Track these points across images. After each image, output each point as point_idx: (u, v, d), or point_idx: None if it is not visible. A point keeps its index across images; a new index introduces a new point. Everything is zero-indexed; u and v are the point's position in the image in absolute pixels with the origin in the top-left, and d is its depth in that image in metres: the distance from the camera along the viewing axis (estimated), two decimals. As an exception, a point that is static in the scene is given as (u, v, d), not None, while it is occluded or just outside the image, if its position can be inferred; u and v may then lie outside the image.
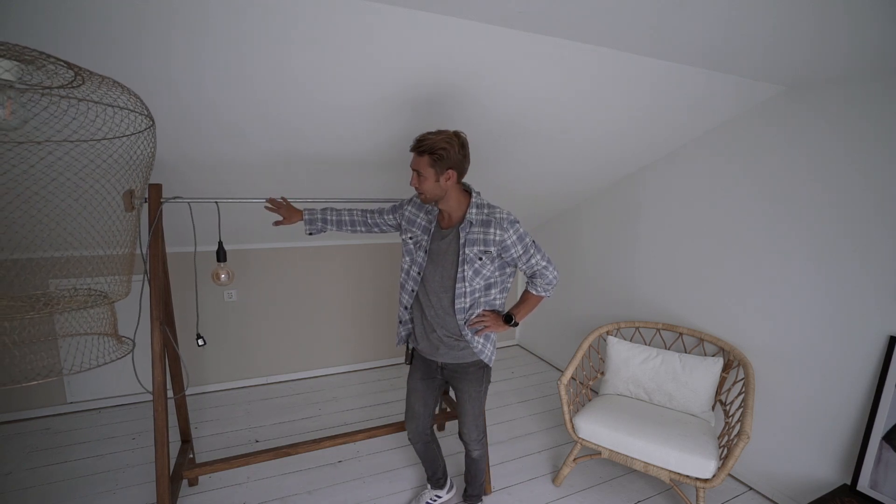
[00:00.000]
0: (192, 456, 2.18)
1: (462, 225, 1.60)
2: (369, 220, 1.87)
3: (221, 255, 1.81)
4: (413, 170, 1.57)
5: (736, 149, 2.24)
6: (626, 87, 1.87)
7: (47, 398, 2.75)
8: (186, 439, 2.19)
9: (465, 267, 1.61)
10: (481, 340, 1.71)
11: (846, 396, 1.89)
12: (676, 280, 2.59)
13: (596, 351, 2.70)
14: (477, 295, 1.65)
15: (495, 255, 1.60)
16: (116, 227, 1.28)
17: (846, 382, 1.89)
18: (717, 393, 2.25)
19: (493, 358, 1.76)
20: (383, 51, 1.47)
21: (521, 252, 1.60)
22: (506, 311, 1.76)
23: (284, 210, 1.82)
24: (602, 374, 2.55)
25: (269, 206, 1.82)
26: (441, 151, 1.49)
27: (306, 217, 1.84)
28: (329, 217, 1.86)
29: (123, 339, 1.43)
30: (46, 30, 1.19)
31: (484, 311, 1.67)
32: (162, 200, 1.67)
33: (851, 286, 1.86)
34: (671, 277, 2.63)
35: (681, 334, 2.49)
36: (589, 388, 2.56)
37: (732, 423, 2.04)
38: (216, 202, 1.76)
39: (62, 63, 0.98)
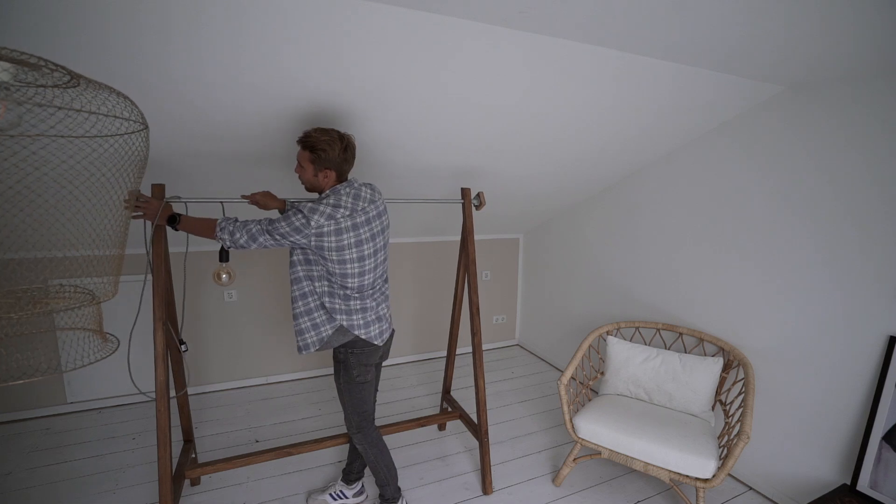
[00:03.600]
0: (194, 455, 2.18)
1: None
2: None
3: (224, 255, 1.81)
4: (297, 160, 1.64)
5: (736, 149, 2.24)
6: (628, 89, 1.87)
7: (47, 398, 2.75)
8: (189, 439, 2.19)
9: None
10: (304, 322, 1.71)
11: (846, 396, 1.90)
12: (676, 280, 2.60)
13: (596, 351, 2.71)
14: (312, 283, 1.71)
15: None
16: (107, 227, 1.27)
17: (846, 382, 1.90)
18: (717, 393, 2.25)
19: (313, 347, 1.70)
20: (385, 57, 1.48)
21: (297, 208, 1.57)
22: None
23: (259, 195, 1.76)
24: (602, 374, 2.56)
25: (245, 196, 1.78)
26: (320, 151, 1.57)
27: (289, 206, 1.80)
28: None
29: (108, 337, 1.42)
30: (45, 31, 1.19)
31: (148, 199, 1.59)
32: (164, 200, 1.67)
33: (851, 286, 1.86)
34: (671, 277, 2.63)
35: (681, 334, 2.49)
36: (589, 388, 2.57)
37: (732, 423, 2.04)
38: (221, 202, 1.76)
39: (62, 69, 0.98)
